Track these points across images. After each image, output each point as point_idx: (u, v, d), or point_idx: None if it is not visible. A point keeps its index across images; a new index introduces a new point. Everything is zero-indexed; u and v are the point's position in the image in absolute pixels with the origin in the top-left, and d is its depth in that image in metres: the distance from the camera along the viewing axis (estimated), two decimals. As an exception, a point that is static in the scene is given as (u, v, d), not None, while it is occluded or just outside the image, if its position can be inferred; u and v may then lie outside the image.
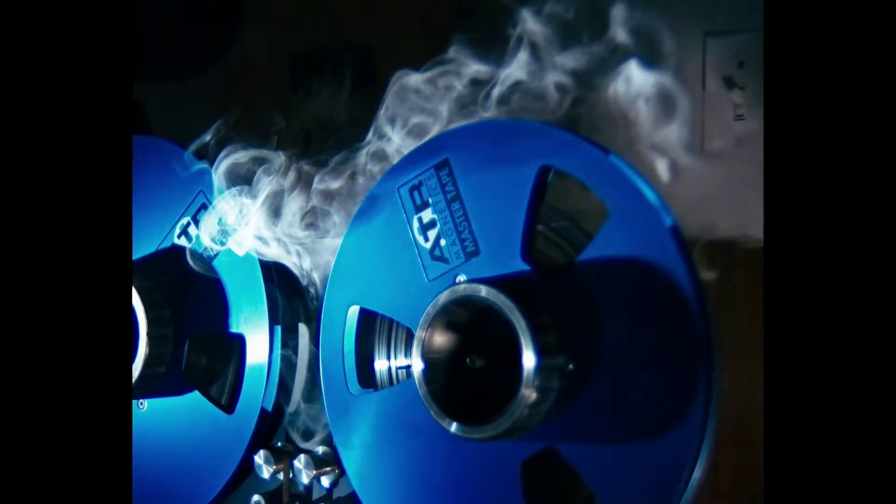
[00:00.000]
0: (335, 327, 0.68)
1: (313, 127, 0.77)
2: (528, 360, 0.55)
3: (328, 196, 0.68)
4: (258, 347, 0.70)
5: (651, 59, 0.63)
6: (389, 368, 0.69)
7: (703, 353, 0.54)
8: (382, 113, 0.66)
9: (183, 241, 0.72)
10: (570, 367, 0.57)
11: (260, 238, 0.67)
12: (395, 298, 0.65)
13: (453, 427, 0.58)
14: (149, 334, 0.69)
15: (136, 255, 0.74)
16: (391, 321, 0.68)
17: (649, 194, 0.57)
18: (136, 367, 0.69)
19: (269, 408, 0.69)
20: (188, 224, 0.72)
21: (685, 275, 0.56)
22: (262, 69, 1.03)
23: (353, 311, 0.68)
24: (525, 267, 0.60)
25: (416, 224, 0.65)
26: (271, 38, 1.02)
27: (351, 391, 0.67)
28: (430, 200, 0.64)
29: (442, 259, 0.64)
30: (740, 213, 0.71)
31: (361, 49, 0.97)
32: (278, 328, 0.69)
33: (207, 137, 0.70)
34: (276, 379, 0.69)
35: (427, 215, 0.65)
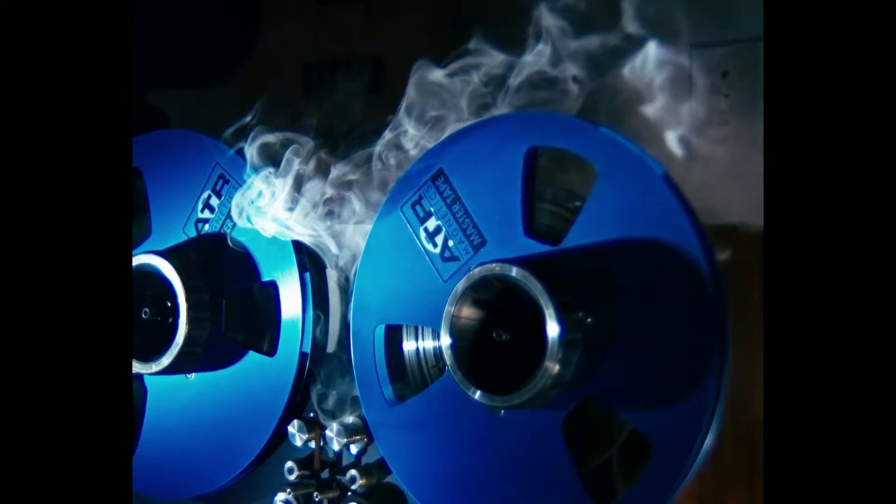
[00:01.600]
0: (365, 348, 0.70)
1: (329, 128, 0.80)
2: (551, 319, 0.57)
3: (349, 184, 0.71)
4: (291, 293, 0.73)
5: (642, 70, 0.66)
6: (417, 349, 0.70)
7: (712, 281, 0.56)
8: (403, 105, 0.69)
9: (206, 214, 0.76)
10: (589, 320, 0.59)
11: (285, 222, 0.70)
12: (417, 308, 0.67)
13: (479, 396, 0.59)
14: (187, 301, 0.72)
15: (166, 235, 0.78)
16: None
17: (635, 148, 0.60)
18: (180, 335, 0.72)
19: (308, 349, 0.72)
20: (209, 197, 0.76)
21: (682, 214, 0.58)
22: (279, 74, 1.08)
23: (380, 329, 0.70)
24: (530, 241, 0.62)
25: (422, 234, 0.67)
26: (287, 46, 1.06)
27: (387, 401, 0.68)
28: (432, 209, 0.67)
29: (453, 258, 0.66)
30: (730, 207, 0.73)
31: (371, 57, 1.02)
32: (308, 274, 0.72)
33: (247, 119, 0.73)
34: (311, 319, 0.72)
35: (432, 223, 0.67)
